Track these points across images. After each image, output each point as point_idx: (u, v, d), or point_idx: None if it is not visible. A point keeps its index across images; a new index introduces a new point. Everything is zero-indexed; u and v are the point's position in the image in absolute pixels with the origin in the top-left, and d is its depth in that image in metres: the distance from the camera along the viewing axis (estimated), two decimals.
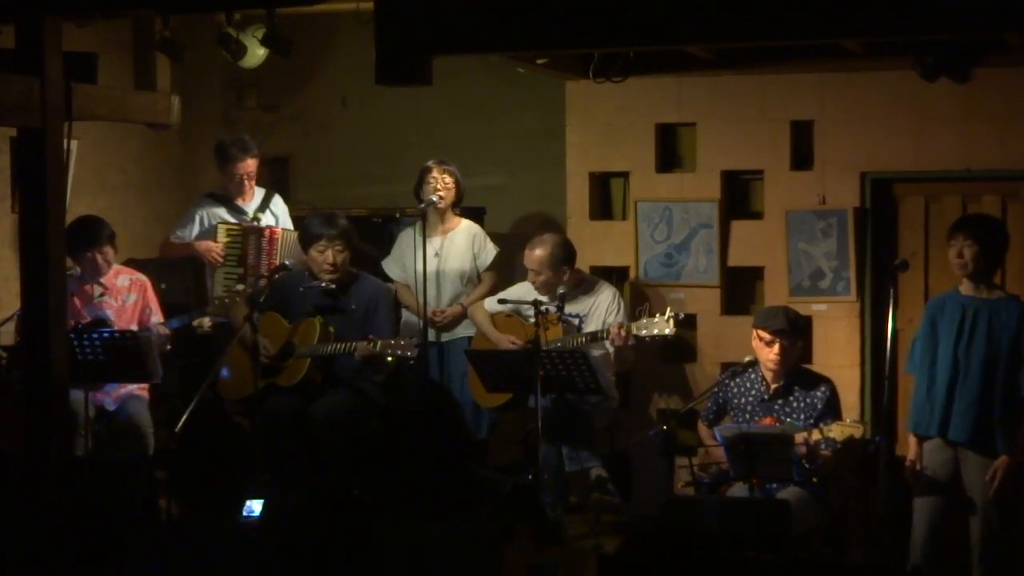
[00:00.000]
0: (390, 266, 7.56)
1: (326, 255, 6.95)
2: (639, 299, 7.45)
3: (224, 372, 6.96)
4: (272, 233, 7.52)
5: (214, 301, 7.03)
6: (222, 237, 7.53)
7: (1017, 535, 5.95)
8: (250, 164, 7.59)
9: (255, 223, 7.58)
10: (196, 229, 7.64)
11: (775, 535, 5.33)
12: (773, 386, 6.33)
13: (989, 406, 5.78)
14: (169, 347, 7.05)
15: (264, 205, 7.67)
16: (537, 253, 7.02)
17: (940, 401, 5.85)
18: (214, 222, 7.60)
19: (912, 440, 5.99)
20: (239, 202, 7.67)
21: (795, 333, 6.32)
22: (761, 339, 6.31)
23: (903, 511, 6.03)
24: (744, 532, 5.31)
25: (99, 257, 6.90)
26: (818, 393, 6.28)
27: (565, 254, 7.06)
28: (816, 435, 6.00)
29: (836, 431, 5.99)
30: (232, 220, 7.60)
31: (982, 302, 5.84)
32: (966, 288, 5.90)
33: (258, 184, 7.75)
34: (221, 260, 7.50)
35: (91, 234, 6.88)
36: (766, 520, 5.45)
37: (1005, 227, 6.08)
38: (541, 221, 8.18)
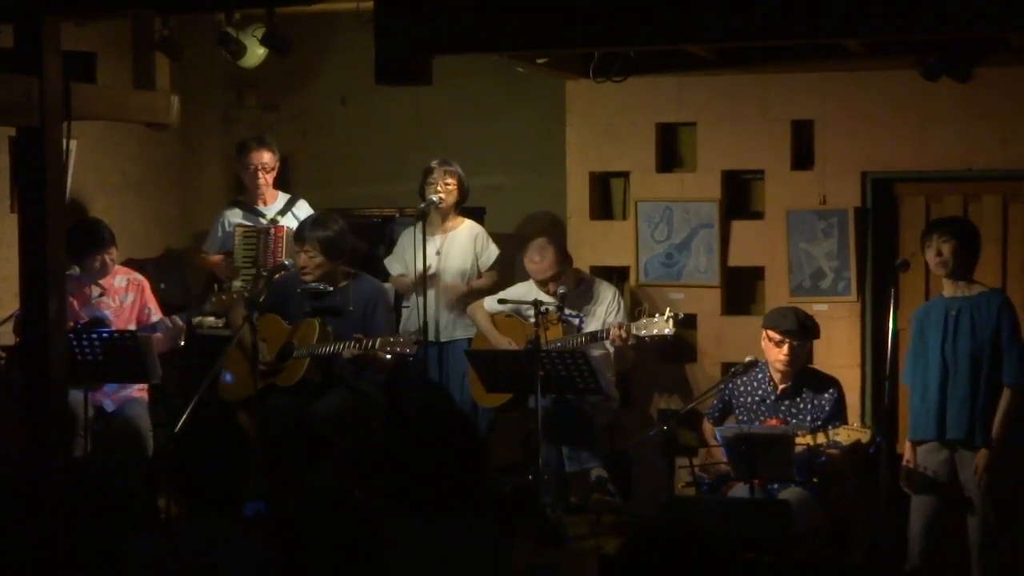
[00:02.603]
0: (391, 264, 7.56)
1: (300, 258, 6.99)
2: (639, 299, 7.43)
3: (227, 377, 6.96)
4: (277, 231, 7.54)
5: (211, 299, 7.02)
6: (239, 239, 7.58)
7: (1015, 535, 5.95)
8: (264, 156, 7.64)
9: (272, 225, 7.61)
10: (219, 235, 7.74)
11: (776, 536, 5.32)
12: (781, 387, 6.32)
13: (979, 401, 5.79)
14: (183, 342, 7.05)
15: (286, 209, 7.69)
16: (546, 261, 6.99)
17: (933, 403, 5.85)
18: (233, 227, 7.66)
19: (908, 445, 6.00)
20: (259, 205, 7.72)
21: (805, 334, 6.29)
22: (771, 339, 6.29)
23: (904, 511, 6.03)
24: (745, 533, 5.30)
25: (107, 258, 6.93)
26: (826, 395, 6.26)
27: (564, 247, 7.15)
28: (822, 439, 5.99)
29: (843, 435, 5.97)
30: (248, 223, 7.63)
31: (964, 300, 5.85)
32: (948, 289, 5.92)
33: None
34: (228, 272, 7.56)
35: (96, 237, 6.89)
36: (767, 521, 5.45)
37: (975, 226, 6.07)
38: (541, 221, 8.17)
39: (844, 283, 7.14)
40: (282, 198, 7.77)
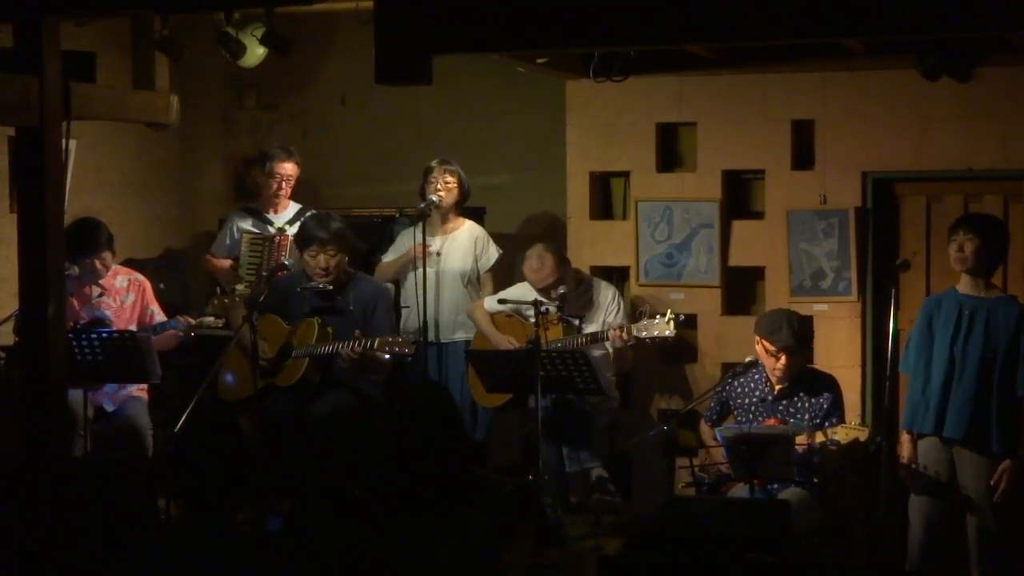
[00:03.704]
0: (386, 258, 7.56)
1: (318, 260, 6.94)
2: (640, 300, 7.43)
3: (229, 378, 6.96)
4: (282, 239, 7.55)
5: (213, 302, 7.02)
6: (246, 247, 7.59)
7: (1014, 534, 5.95)
8: (289, 168, 7.69)
9: (279, 233, 7.63)
10: (227, 242, 7.76)
11: (776, 536, 5.31)
12: (778, 387, 6.32)
13: (985, 404, 5.78)
14: (193, 333, 7.05)
15: (295, 219, 7.69)
16: (545, 269, 6.98)
17: (935, 399, 5.84)
18: (241, 234, 7.68)
19: (905, 438, 5.98)
20: (269, 214, 7.75)
21: (801, 345, 6.28)
22: (766, 350, 6.29)
23: (904, 511, 6.02)
24: (745, 533, 5.30)
25: (98, 263, 6.89)
26: (824, 393, 6.26)
27: (562, 251, 7.14)
28: (820, 437, 5.99)
29: (841, 434, 5.98)
30: (256, 231, 7.64)
31: (980, 301, 5.83)
32: (964, 286, 5.89)
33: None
34: (232, 278, 7.58)
35: (90, 241, 6.85)
36: (767, 521, 5.44)
37: (1006, 227, 6.07)
38: (541, 221, 8.17)
39: (844, 283, 7.13)
40: (292, 208, 7.79)
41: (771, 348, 6.25)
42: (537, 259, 7.03)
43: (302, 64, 8.34)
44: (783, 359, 6.24)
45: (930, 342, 5.89)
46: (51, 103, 5.38)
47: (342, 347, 6.72)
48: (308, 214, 7.44)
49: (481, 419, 7.29)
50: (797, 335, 6.24)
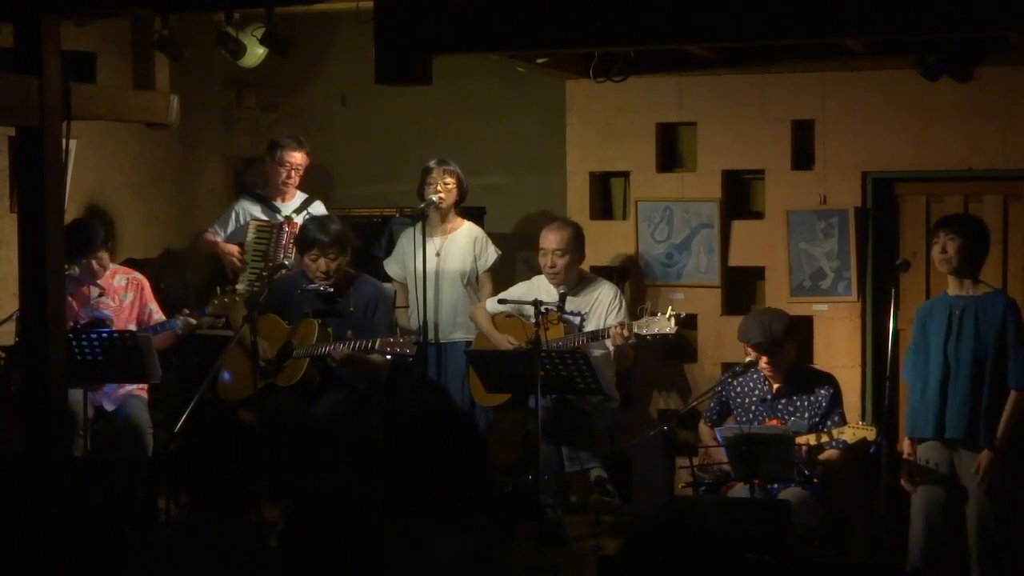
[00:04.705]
0: (390, 265, 7.57)
1: (319, 264, 6.94)
2: (639, 299, 7.43)
3: (225, 376, 6.96)
4: (292, 227, 7.57)
5: (214, 301, 7.03)
6: (252, 234, 7.61)
7: (1014, 533, 5.95)
8: (298, 157, 7.73)
9: (286, 221, 7.65)
10: (232, 226, 7.79)
11: (776, 536, 5.32)
12: (775, 386, 6.32)
13: (980, 402, 5.79)
14: (196, 324, 7.06)
15: (302, 208, 7.74)
16: (558, 235, 6.99)
17: (934, 402, 5.85)
18: (248, 219, 7.71)
19: (906, 443, 5.99)
20: (277, 201, 7.79)
21: (776, 344, 6.26)
22: (748, 352, 6.31)
23: (903, 512, 6.02)
24: (745, 533, 5.30)
25: (94, 263, 6.90)
26: (821, 391, 6.27)
27: (582, 239, 7.09)
28: (825, 438, 5.99)
29: (848, 433, 5.98)
30: (264, 218, 7.66)
31: (968, 300, 5.85)
32: (953, 288, 5.91)
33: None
34: (239, 264, 7.59)
35: (85, 241, 6.85)
36: (767, 521, 5.45)
37: (986, 225, 6.07)
38: (541, 221, 8.16)
39: (844, 283, 7.13)
40: (299, 197, 7.84)
41: (749, 349, 6.28)
42: (557, 227, 7.04)
43: (302, 64, 8.34)
44: (764, 359, 6.26)
45: (927, 347, 5.91)
46: (51, 103, 5.37)
47: (342, 346, 6.72)
48: (308, 217, 7.45)
49: (481, 419, 7.29)
50: (769, 333, 6.23)
